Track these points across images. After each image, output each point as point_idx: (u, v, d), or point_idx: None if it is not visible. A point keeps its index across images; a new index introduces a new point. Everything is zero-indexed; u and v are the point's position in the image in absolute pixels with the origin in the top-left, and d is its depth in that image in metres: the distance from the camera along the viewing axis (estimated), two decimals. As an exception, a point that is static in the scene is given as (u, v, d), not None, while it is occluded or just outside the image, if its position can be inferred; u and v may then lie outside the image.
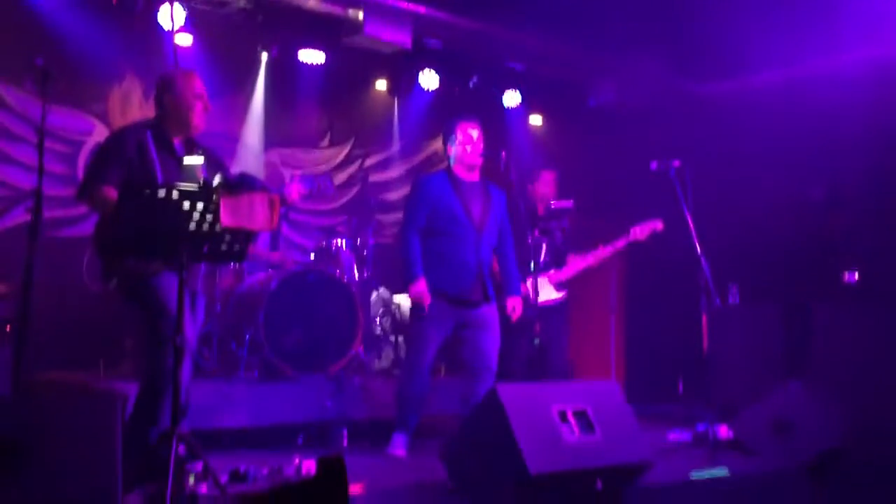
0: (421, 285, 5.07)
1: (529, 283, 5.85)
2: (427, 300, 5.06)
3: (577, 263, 6.24)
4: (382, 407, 5.57)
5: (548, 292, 6.17)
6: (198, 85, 4.34)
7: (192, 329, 4.20)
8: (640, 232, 6.13)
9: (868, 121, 6.96)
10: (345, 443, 5.31)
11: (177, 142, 4.31)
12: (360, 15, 6.50)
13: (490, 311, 5.23)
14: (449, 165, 5.32)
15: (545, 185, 6.39)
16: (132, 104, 6.86)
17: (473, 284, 5.15)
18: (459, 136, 5.22)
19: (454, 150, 5.24)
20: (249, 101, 7.62)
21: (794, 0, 6.45)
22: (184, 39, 6.55)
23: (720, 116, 7.89)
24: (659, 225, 6.15)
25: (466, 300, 5.15)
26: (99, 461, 3.27)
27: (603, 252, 6.21)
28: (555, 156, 8.39)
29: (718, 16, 6.60)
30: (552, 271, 6.23)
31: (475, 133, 5.23)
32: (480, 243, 5.19)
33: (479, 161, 5.22)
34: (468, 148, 5.20)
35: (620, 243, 6.17)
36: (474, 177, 5.29)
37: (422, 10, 6.64)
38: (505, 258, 5.39)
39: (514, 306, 5.30)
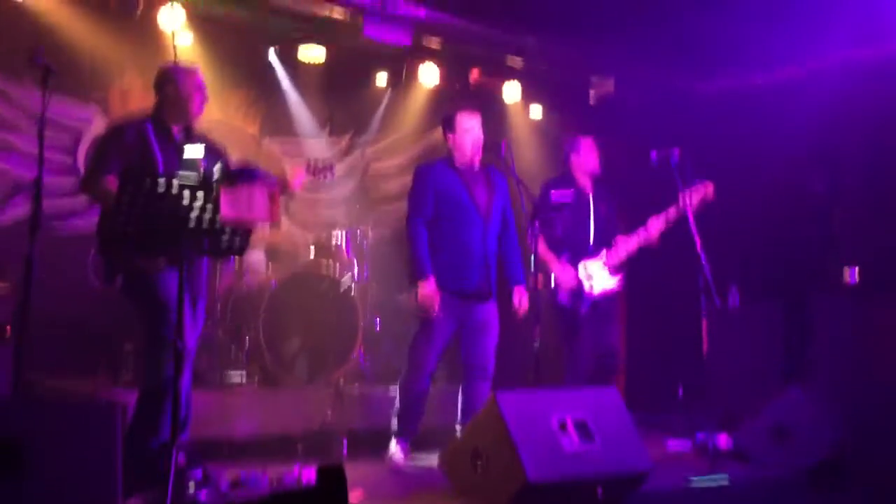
0: (430, 286, 4.96)
1: (581, 269, 5.78)
2: (436, 303, 4.97)
3: (628, 243, 5.81)
4: (382, 416, 5.57)
5: (604, 280, 5.79)
6: (199, 79, 4.42)
7: (192, 334, 4.20)
8: (689, 198, 5.54)
9: (868, 119, 6.93)
10: (345, 452, 5.32)
11: (176, 130, 4.34)
12: (360, 19, 6.46)
13: (491, 310, 5.20)
14: (450, 154, 5.27)
15: (587, 154, 5.98)
16: (132, 100, 6.81)
17: (479, 276, 5.10)
18: (460, 126, 5.19)
19: (455, 139, 5.21)
20: (249, 92, 7.57)
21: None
22: (184, 38, 6.49)
23: (720, 114, 7.85)
24: (710, 188, 5.66)
25: (471, 294, 5.10)
26: (99, 468, 3.28)
27: (655, 224, 5.74)
28: (555, 149, 8.36)
29: (719, 11, 6.56)
30: (604, 253, 5.83)
31: (475, 122, 5.20)
32: (487, 230, 5.15)
33: (479, 151, 5.18)
34: (469, 137, 5.16)
35: (672, 212, 5.69)
36: (475, 164, 5.25)
37: (421, 12, 6.59)
38: (509, 246, 5.32)
39: (521, 298, 5.22)
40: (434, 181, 5.16)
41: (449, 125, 5.24)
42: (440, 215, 5.12)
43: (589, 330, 5.76)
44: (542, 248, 5.73)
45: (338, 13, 6.51)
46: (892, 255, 6.71)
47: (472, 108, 5.32)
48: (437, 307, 4.96)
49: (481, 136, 5.19)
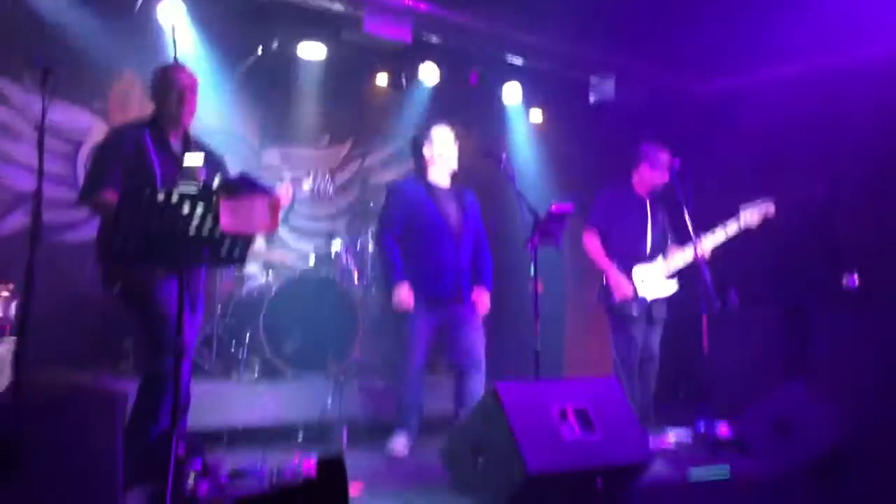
0: (403, 291, 5.16)
1: (635, 272, 5.76)
2: (410, 305, 5.15)
3: (684, 253, 5.75)
4: (382, 408, 5.59)
5: (659, 285, 5.80)
6: (179, 76, 4.34)
7: (191, 330, 4.21)
8: (751, 217, 5.68)
9: (868, 120, 6.94)
10: (344, 442, 5.32)
11: (173, 138, 4.32)
12: (360, 11, 6.48)
13: (470, 310, 5.31)
14: (422, 171, 5.41)
15: (661, 169, 5.84)
16: (132, 101, 6.84)
17: (450, 285, 5.24)
18: (437, 139, 5.34)
19: (431, 153, 5.35)
20: (250, 97, 7.57)
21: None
22: (183, 36, 6.52)
23: (721, 114, 7.88)
24: (771, 209, 5.71)
25: (444, 299, 5.23)
26: (100, 461, 3.27)
27: (714, 237, 5.68)
28: (554, 152, 8.38)
29: (718, 14, 6.59)
30: (660, 260, 5.82)
31: (450, 137, 5.36)
32: (460, 246, 5.28)
33: (454, 165, 5.34)
34: (445, 149, 5.32)
35: (731, 230, 5.71)
36: (446, 182, 5.40)
37: (422, 6, 6.62)
38: (481, 258, 5.44)
39: (480, 298, 5.34)
40: (405, 199, 5.30)
41: (426, 138, 5.37)
42: (412, 230, 5.26)
43: (639, 330, 5.77)
44: (598, 252, 5.82)
45: (338, 7, 6.53)
46: (891, 260, 6.71)
47: (445, 123, 5.47)
48: (411, 307, 5.14)
49: (455, 150, 5.35)
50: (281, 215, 4.25)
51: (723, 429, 5.46)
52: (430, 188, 5.33)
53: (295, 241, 7.84)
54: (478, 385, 5.09)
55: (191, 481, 3.79)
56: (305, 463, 4.15)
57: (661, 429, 5.70)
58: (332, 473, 3.41)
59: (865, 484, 4.77)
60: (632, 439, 4.27)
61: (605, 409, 4.24)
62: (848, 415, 5.24)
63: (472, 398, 4.97)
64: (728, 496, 4.64)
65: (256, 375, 5.86)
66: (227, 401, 5.33)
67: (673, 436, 5.59)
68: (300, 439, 5.34)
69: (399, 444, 5.12)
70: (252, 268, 6.59)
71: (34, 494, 3.11)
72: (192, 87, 4.35)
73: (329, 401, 5.42)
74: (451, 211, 5.30)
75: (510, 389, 4.10)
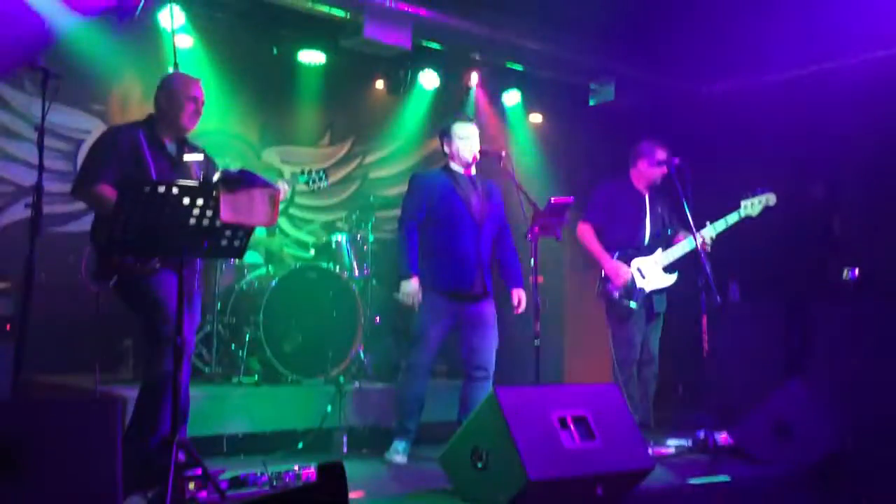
0: (412, 286, 5.15)
1: (634, 266, 5.72)
2: (417, 300, 5.15)
3: (684, 245, 5.70)
4: (382, 415, 5.59)
5: (658, 278, 5.73)
6: (194, 88, 4.39)
7: (189, 328, 4.21)
8: (752, 207, 5.61)
9: (868, 120, 6.95)
10: (345, 449, 5.32)
11: (168, 141, 4.34)
12: (360, 18, 6.47)
13: (488, 308, 5.28)
14: (446, 163, 5.38)
15: (660, 167, 5.80)
16: (132, 104, 6.82)
17: (474, 277, 5.19)
18: (456, 135, 5.29)
19: (451, 147, 5.31)
20: (249, 100, 7.56)
21: (793, 1, 6.43)
22: (184, 40, 6.53)
23: (721, 115, 7.88)
24: (772, 199, 5.66)
25: (467, 294, 5.19)
26: (98, 465, 3.28)
27: (713, 228, 5.64)
28: (555, 155, 8.37)
29: (718, 16, 6.60)
30: (659, 252, 5.76)
31: (472, 132, 5.31)
32: (480, 235, 5.24)
33: (475, 158, 5.29)
34: (465, 146, 5.26)
35: (732, 219, 5.63)
36: (469, 172, 5.36)
37: (422, 12, 6.61)
38: (506, 250, 5.44)
39: (519, 298, 5.34)
40: (429, 186, 5.27)
41: (446, 135, 5.34)
42: (434, 219, 5.22)
43: (638, 325, 5.71)
44: (592, 241, 5.79)
45: (338, 13, 6.52)
46: (891, 257, 6.71)
47: (467, 116, 5.46)
48: (417, 304, 5.16)
49: (478, 146, 5.30)
50: (280, 208, 4.27)
51: (723, 435, 5.45)
52: (454, 177, 5.29)
53: (294, 232, 7.84)
54: (484, 393, 4.97)
55: (190, 488, 3.78)
56: (305, 470, 4.15)
57: (660, 435, 5.70)
58: (332, 477, 3.40)
59: (865, 484, 4.77)
60: (632, 446, 4.27)
61: (604, 416, 4.24)
62: (848, 412, 5.25)
63: (476, 406, 4.89)
64: (728, 501, 4.64)
65: (257, 378, 5.84)
66: (227, 407, 5.31)
67: (673, 442, 5.59)
68: (300, 447, 5.34)
69: (399, 451, 5.11)
70: (252, 259, 6.57)
71: (32, 499, 3.11)
72: (203, 100, 4.41)
73: (329, 407, 5.41)
74: (474, 200, 5.26)
75: (510, 395, 4.10)
